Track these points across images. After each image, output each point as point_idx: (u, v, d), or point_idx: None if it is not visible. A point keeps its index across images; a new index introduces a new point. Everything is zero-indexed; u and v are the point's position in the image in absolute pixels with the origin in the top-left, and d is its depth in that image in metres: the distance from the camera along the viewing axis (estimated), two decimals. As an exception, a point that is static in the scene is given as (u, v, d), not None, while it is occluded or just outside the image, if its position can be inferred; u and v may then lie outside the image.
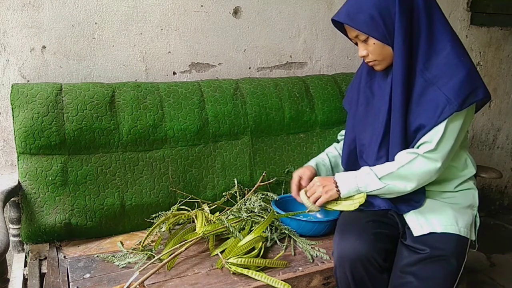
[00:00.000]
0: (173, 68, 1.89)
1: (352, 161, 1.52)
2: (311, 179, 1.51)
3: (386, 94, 1.36)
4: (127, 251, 1.41)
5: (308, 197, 1.44)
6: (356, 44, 1.37)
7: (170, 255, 1.32)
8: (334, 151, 1.67)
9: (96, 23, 1.71)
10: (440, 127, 1.27)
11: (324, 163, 1.63)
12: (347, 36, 1.39)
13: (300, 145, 1.88)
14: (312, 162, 1.62)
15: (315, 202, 1.42)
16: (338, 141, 1.77)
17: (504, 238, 2.77)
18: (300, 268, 1.37)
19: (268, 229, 1.53)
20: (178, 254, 1.32)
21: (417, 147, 1.32)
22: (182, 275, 1.32)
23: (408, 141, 1.33)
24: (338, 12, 1.33)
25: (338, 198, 1.42)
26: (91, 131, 1.52)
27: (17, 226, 1.46)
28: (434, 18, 1.29)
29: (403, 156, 1.32)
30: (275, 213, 1.54)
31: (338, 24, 1.38)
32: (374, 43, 1.30)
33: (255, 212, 1.56)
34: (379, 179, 1.33)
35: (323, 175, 1.58)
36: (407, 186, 1.32)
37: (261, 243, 1.41)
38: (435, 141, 1.27)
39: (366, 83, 1.46)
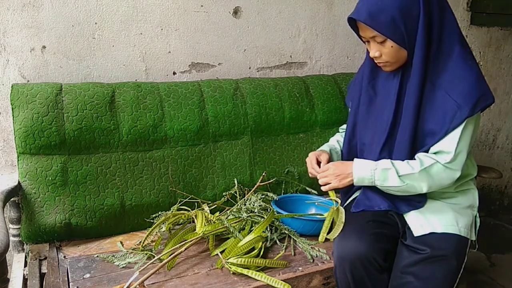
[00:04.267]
0: (173, 68, 1.89)
1: (352, 159, 1.52)
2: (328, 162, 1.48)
3: (391, 94, 1.36)
4: (127, 251, 1.41)
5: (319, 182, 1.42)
6: (366, 42, 1.35)
7: (170, 255, 1.32)
8: (341, 139, 1.65)
9: (96, 23, 1.71)
10: (455, 135, 1.26)
11: (336, 151, 1.61)
12: (357, 33, 1.36)
13: (300, 145, 1.88)
14: (325, 147, 1.59)
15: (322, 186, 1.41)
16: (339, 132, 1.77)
17: (504, 238, 2.77)
18: (300, 268, 1.37)
19: (268, 229, 1.53)
20: (178, 254, 1.32)
21: (433, 154, 1.31)
22: (182, 275, 1.32)
23: (415, 145, 1.33)
24: (358, 11, 1.28)
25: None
26: (91, 131, 1.52)
27: (17, 226, 1.46)
28: (445, 20, 1.28)
29: (423, 159, 1.30)
30: (275, 213, 1.54)
31: (350, 21, 1.33)
32: (391, 46, 1.27)
33: (255, 212, 1.56)
34: (400, 177, 1.30)
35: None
36: (424, 189, 1.31)
37: (261, 243, 1.41)
38: (453, 150, 1.26)
39: (369, 82, 1.45)
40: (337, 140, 1.67)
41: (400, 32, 1.24)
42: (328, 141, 1.72)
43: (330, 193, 1.47)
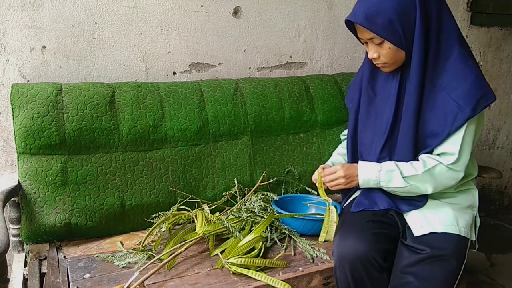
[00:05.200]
0: (173, 68, 1.89)
1: (357, 161, 1.52)
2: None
3: (391, 95, 1.36)
4: (127, 251, 1.41)
5: (324, 184, 1.44)
6: (364, 43, 1.35)
7: (170, 255, 1.32)
8: (344, 150, 1.67)
9: (96, 23, 1.71)
10: (458, 137, 1.27)
11: (339, 162, 1.63)
12: (355, 35, 1.37)
13: (300, 145, 1.88)
14: (328, 163, 1.62)
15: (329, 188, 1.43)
16: (341, 141, 1.78)
17: (504, 238, 2.77)
18: (300, 268, 1.37)
19: (268, 229, 1.53)
20: (178, 254, 1.32)
21: (437, 155, 1.31)
22: (182, 275, 1.32)
23: (417, 146, 1.33)
24: (354, 13, 1.28)
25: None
26: (91, 131, 1.52)
27: (17, 226, 1.46)
28: (444, 21, 1.28)
29: (426, 160, 1.31)
30: (275, 213, 1.54)
31: (348, 23, 1.34)
32: (389, 48, 1.28)
33: (255, 212, 1.56)
34: (404, 178, 1.32)
35: None
36: (429, 190, 1.33)
37: (261, 243, 1.41)
38: (457, 152, 1.27)
39: (369, 83, 1.45)
40: (337, 153, 1.69)
41: (398, 33, 1.24)
42: (327, 142, 1.73)
43: (320, 192, 1.49)
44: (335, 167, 1.44)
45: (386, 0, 1.23)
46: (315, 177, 1.52)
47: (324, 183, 1.47)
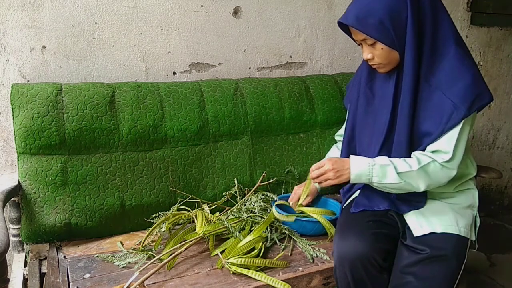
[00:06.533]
0: (173, 68, 1.89)
1: None
2: (313, 194, 1.62)
3: (388, 95, 1.36)
4: (127, 251, 1.41)
5: (319, 182, 1.38)
6: (359, 45, 1.36)
7: (170, 255, 1.32)
8: (338, 152, 1.67)
9: (96, 23, 1.71)
10: (453, 135, 1.26)
11: None
12: (351, 37, 1.37)
13: (300, 145, 1.88)
14: None
15: (320, 183, 1.38)
16: (336, 141, 1.78)
17: (504, 238, 2.77)
18: (300, 268, 1.37)
19: (268, 229, 1.53)
20: (178, 254, 1.33)
21: (430, 152, 1.31)
22: (182, 275, 1.32)
23: (413, 145, 1.33)
24: (346, 15, 1.29)
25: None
26: (91, 131, 1.52)
27: (17, 226, 1.46)
28: (439, 21, 1.28)
29: (420, 157, 1.30)
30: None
31: (342, 24, 1.35)
32: (382, 48, 1.28)
33: (255, 212, 1.56)
34: (398, 174, 1.29)
35: None
36: (421, 187, 1.31)
37: (261, 243, 1.41)
38: (451, 150, 1.26)
39: (367, 83, 1.45)
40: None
41: (389, 34, 1.24)
42: (327, 142, 1.72)
43: (308, 182, 1.52)
44: (322, 161, 1.39)
45: (377, 1, 1.23)
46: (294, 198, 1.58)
47: (313, 180, 1.40)
